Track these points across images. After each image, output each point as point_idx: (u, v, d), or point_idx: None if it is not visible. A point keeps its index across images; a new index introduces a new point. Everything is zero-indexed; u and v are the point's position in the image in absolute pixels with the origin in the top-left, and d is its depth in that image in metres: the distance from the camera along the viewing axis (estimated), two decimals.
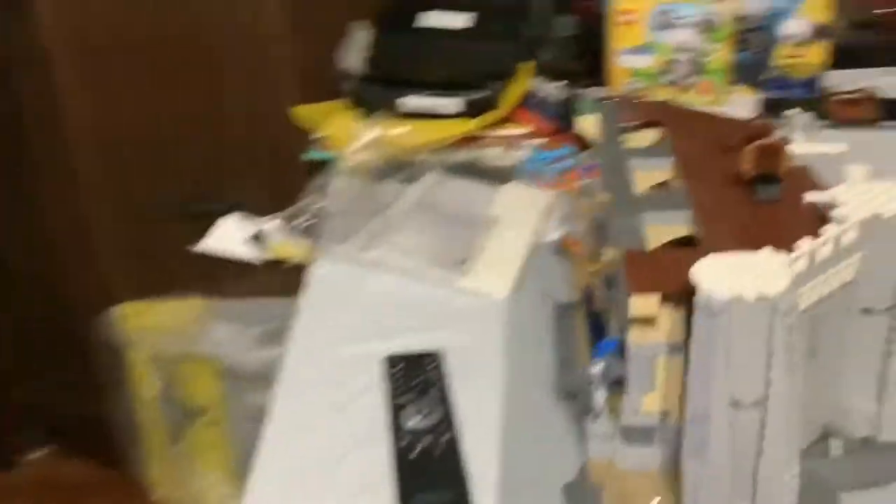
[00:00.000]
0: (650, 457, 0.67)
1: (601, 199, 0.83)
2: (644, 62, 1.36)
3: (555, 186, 1.13)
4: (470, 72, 1.26)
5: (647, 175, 0.81)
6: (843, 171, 0.84)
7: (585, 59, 1.41)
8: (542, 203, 1.08)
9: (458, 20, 1.32)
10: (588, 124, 0.93)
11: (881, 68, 1.39)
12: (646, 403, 0.66)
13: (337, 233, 1.04)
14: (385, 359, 0.84)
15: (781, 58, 1.36)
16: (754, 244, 0.65)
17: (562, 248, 0.99)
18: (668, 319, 0.62)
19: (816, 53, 1.34)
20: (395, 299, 0.94)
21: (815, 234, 0.65)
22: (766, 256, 0.58)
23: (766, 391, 0.56)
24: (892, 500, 0.66)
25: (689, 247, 0.68)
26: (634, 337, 0.64)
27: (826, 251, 0.61)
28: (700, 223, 0.70)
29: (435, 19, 1.33)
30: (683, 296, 0.61)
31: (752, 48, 1.35)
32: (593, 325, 0.84)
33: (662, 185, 0.81)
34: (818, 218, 0.68)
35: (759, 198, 0.71)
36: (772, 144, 0.71)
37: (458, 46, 1.29)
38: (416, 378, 0.80)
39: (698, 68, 1.33)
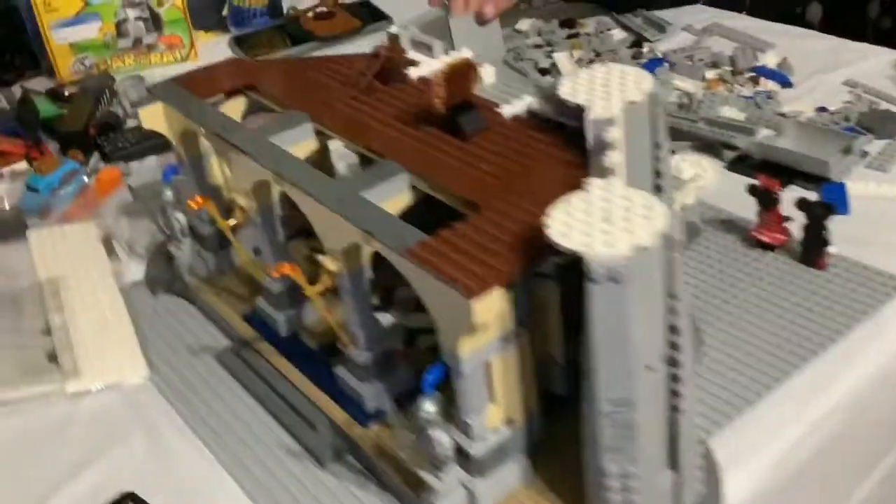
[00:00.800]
0: (511, 473, 0.54)
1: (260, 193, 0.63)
2: (88, 32, 1.10)
3: (84, 212, 0.86)
4: None
5: (294, 149, 0.63)
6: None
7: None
8: (92, 238, 0.81)
9: None
10: (150, 115, 0.70)
11: None
12: (489, 418, 0.52)
13: None
14: None
15: None
16: (528, 184, 0.54)
17: (173, 281, 0.75)
18: (498, 311, 0.48)
19: None
20: (5, 450, 0.62)
21: (569, 147, 0.56)
22: (601, 189, 0.48)
23: (676, 341, 0.47)
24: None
25: (455, 217, 0.53)
26: (465, 347, 0.49)
27: (619, 160, 0.52)
28: (441, 183, 0.56)
29: None
30: (520, 276, 0.48)
31: None
32: (300, 355, 0.65)
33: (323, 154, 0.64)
34: (538, 129, 0.59)
35: (465, 130, 0.59)
36: (459, 67, 0.59)
37: None
38: None
39: (156, 24, 1.12)
